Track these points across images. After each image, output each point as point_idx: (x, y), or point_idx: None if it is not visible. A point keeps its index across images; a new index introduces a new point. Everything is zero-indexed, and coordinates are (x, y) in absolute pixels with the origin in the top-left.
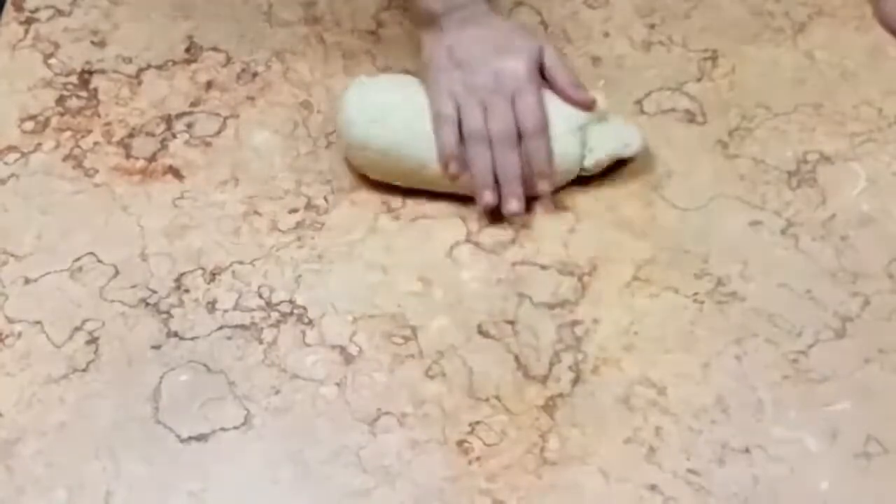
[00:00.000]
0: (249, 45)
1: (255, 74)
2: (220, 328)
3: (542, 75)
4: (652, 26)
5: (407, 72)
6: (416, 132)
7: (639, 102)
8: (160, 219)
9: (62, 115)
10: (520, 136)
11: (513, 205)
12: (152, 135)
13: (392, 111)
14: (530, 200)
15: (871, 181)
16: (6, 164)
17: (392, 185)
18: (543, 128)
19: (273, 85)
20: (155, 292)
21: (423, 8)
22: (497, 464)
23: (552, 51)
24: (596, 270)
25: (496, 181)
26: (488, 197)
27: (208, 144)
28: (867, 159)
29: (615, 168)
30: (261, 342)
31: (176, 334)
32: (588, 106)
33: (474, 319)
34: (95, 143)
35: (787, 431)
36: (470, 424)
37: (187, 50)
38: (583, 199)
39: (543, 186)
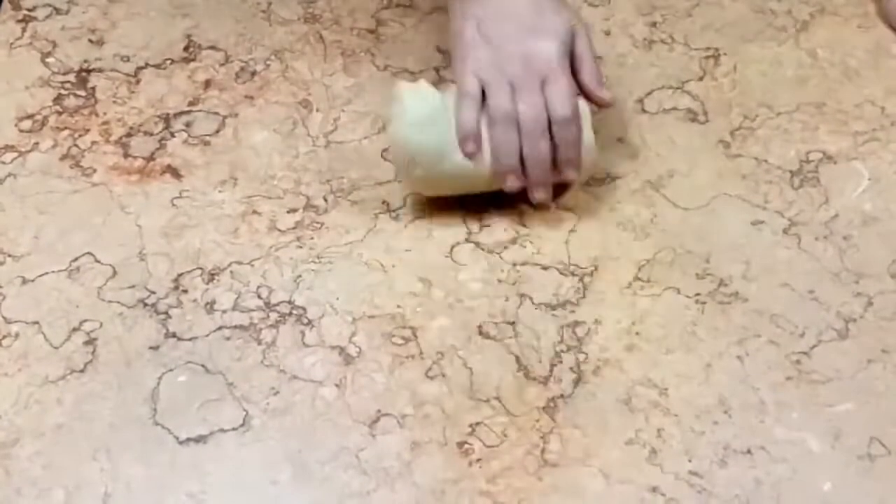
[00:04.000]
0: (248, 44)
1: (253, 73)
2: (219, 329)
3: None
4: (653, 24)
5: (407, 71)
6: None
7: (640, 101)
8: (158, 218)
9: (60, 114)
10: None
11: (541, 193)
12: (150, 134)
13: (441, 115)
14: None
15: (874, 180)
16: (3, 163)
17: (391, 185)
18: (575, 115)
19: (272, 84)
20: (153, 293)
21: None
22: (498, 465)
23: (584, 36)
24: (597, 270)
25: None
26: (513, 182)
27: (207, 144)
28: (870, 158)
29: (616, 168)
30: (260, 343)
31: (174, 335)
32: (603, 105)
33: (475, 320)
34: (93, 143)
35: (789, 432)
36: (470, 426)
37: (186, 48)
38: (584, 199)
39: (571, 174)
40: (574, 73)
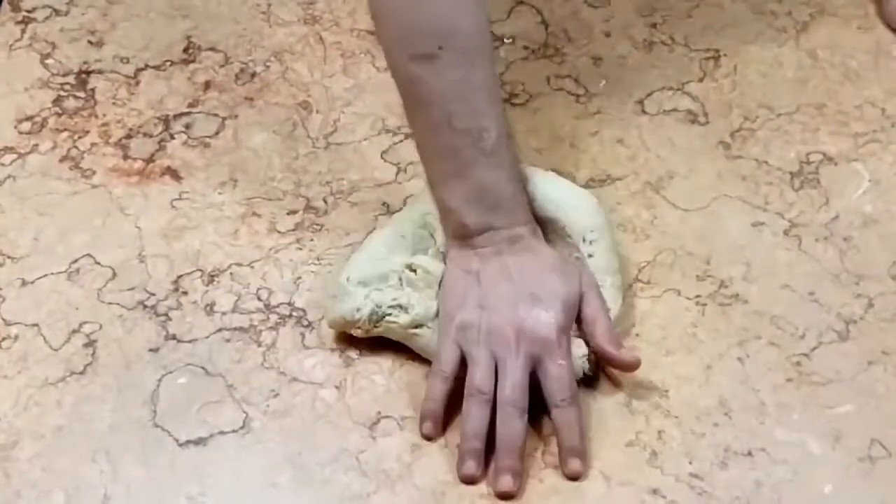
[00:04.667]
0: (248, 45)
1: (253, 74)
2: (219, 331)
3: (578, 317)
4: (653, 26)
5: None
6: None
7: (640, 102)
8: (158, 220)
9: (59, 115)
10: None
11: (507, 482)
12: (150, 135)
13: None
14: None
15: (875, 182)
16: (3, 165)
17: (391, 186)
18: (575, 397)
19: (272, 85)
20: (153, 294)
21: (455, 221)
22: None
23: (595, 296)
24: None
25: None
26: (472, 468)
27: (206, 145)
28: (870, 160)
29: (616, 169)
30: (259, 345)
31: (174, 337)
32: (630, 369)
33: None
34: (93, 144)
35: (790, 434)
36: None
37: (185, 50)
38: None
39: (575, 466)
40: (585, 333)
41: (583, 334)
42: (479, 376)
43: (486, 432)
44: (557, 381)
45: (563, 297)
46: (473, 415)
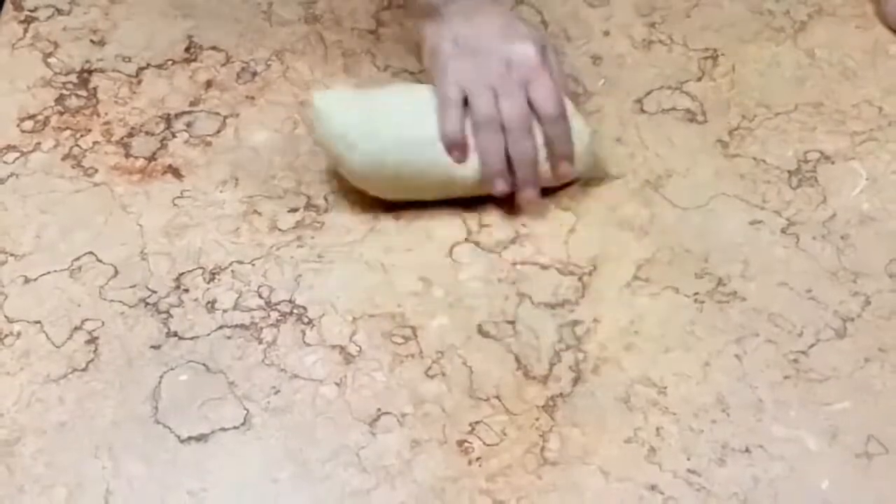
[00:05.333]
0: (249, 44)
1: (254, 73)
2: (220, 328)
3: None
4: (652, 25)
5: (407, 71)
6: (413, 137)
7: (639, 101)
8: (160, 218)
9: (61, 114)
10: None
11: (530, 192)
12: (152, 134)
13: (381, 117)
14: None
15: (872, 180)
16: (5, 163)
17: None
18: (563, 111)
19: (273, 84)
20: (154, 292)
21: (422, 0)
22: (497, 464)
23: (552, 50)
24: (596, 270)
25: (508, 168)
26: (502, 185)
27: (208, 144)
28: (868, 158)
29: (615, 167)
30: (260, 342)
31: (175, 334)
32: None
33: (474, 319)
34: (95, 143)
35: (787, 431)
36: (470, 424)
37: (187, 49)
38: (583, 199)
39: (566, 168)
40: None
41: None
42: (484, 105)
43: (504, 154)
44: (547, 99)
45: (533, 35)
46: (489, 141)
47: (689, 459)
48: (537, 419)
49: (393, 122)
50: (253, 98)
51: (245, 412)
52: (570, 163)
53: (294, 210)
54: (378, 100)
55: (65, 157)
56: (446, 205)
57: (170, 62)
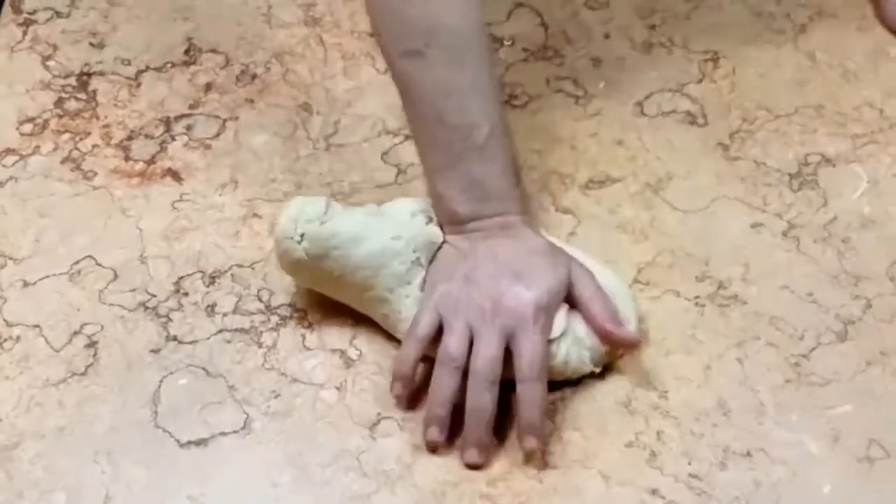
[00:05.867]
0: (249, 47)
1: (254, 76)
2: (220, 332)
3: (572, 298)
4: (652, 27)
5: None
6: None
7: (639, 104)
8: (159, 221)
9: (61, 117)
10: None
11: (473, 455)
12: (151, 137)
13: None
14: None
15: (873, 183)
16: (4, 166)
17: (391, 188)
18: (543, 375)
19: (272, 87)
20: (154, 296)
21: (447, 208)
22: (498, 467)
23: (590, 282)
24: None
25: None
26: (435, 434)
27: (207, 147)
28: (869, 161)
29: (615, 170)
30: (260, 346)
31: (175, 338)
32: (631, 346)
33: None
34: (94, 146)
35: (788, 435)
36: None
37: (186, 52)
38: (584, 202)
39: (531, 443)
40: (586, 317)
41: (583, 316)
42: (452, 344)
43: (454, 402)
44: (527, 356)
45: (547, 279)
46: (442, 382)
47: (690, 463)
48: None
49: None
50: (252, 101)
51: (245, 416)
52: (535, 437)
53: None
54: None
55: (64, 161)
56: None
57: (169, 65)
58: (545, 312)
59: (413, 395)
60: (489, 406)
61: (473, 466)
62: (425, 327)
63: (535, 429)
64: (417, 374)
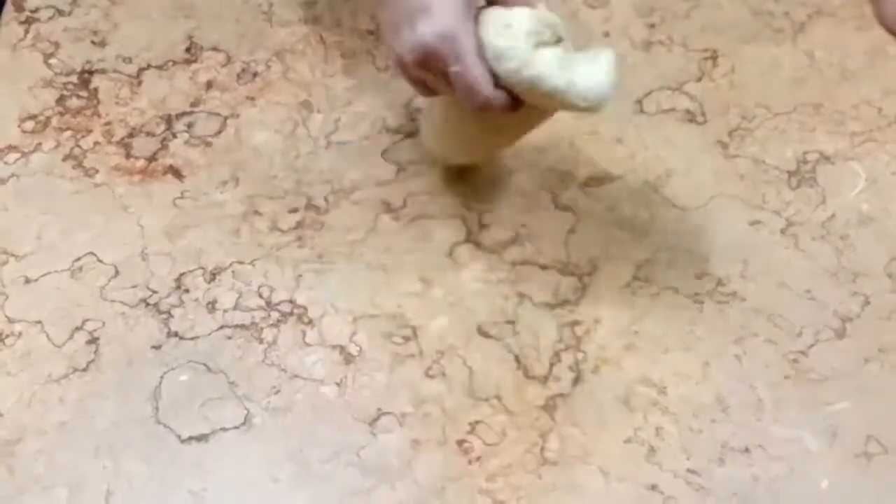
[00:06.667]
0: (249, 45)
1: (255, 74)
2: (221, 328)
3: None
4: (652, 26)
5: None
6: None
7: (639, 102)
8: (160, 218)
9: (62, 114)
10: None
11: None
12: (152, 134)
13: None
14: None
15: (871, 181)
16: (6, 163)
17: (391, 185)
18: (479, 98)
19: (273, 85)
20: (155, 292)
21: None
22: (497, 463)
23: None
24: (596, 270)
25: None
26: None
27: (208, 144)
28: (867, 159)
29: (615, 168)
30: (261, 342)
31: (176, 334)
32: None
33: (474, 319)
34: (96, 143)
35: (787, 431)
36: (470, 424)
37: (187, 50)
38: (583, 199)
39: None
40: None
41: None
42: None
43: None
44: (459, 91)
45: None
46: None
47: (688, 459)
48: (537, 419)
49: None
50: (253, 98)
51: (245, 412)
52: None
53: (294, 210)
54: None
55: (66, 158)
56: (446, 205)
57: (170, 63)
58: (455, 32)
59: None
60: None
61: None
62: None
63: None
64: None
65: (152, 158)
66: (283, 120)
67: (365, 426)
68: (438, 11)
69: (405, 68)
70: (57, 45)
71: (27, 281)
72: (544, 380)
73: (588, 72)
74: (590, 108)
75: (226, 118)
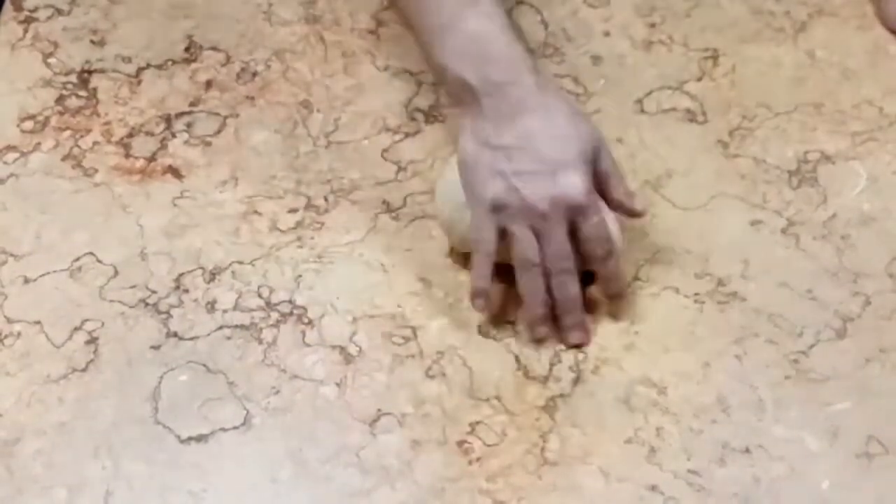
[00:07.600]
0: (249, 45)
1: (254, 74)
2: (220, 328)
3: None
4: (652, 25)
5: (407, 72)
6: None
7: (639, 101)
8: (160, 218)
9: (61, 114)
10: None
11: (577, 336)
12: (152, 134)
13: None
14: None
15: (872, 180)
16: (5, 163)
17: (391, 185)
18: (615, 249)
19: (273, 84)
20: (154, 292)
21: (454, 79)
22: (497, 464)
23: (607, 152)
24: None
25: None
26: (542, 332)
27: (208, 144)
28: (868, 158)
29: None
30: (260, 342)
31: (175, 334)
32: (637, 215)
33: (474, 319)
34: (95, 143)
35: (787, 431)
36: (470, 424)
37: (187, 49)
38: None
39: (617, 291)
40: (600, 188)
41: (600, 184)
42: (525, 249)
43: (547, 300)
44: (594, 239)
45: (583, 156)
46: (531, 286)
47: (689, 460)
48: (537, 419)
49: None
50: (253, 98)
51: (245, 412)
52: (621, 296)
53: (294, 210)
54: None
55: (65, 158)
56: None
57: (170, 62)
58: (593, 191)
59: (494, 307)
60: (577, 293)
61: (579, 345)
62: (490, 242)
63: (623, 294)
64: (493, 288)
65: (152, 158)
66: (282, 119)
67: (365, 426)
68: (585, 172)
69: (514, 217)
70: (56, 44)
71: (26, 281)
72: (544, 380)
73: None
74: None
75: (225, 118)
